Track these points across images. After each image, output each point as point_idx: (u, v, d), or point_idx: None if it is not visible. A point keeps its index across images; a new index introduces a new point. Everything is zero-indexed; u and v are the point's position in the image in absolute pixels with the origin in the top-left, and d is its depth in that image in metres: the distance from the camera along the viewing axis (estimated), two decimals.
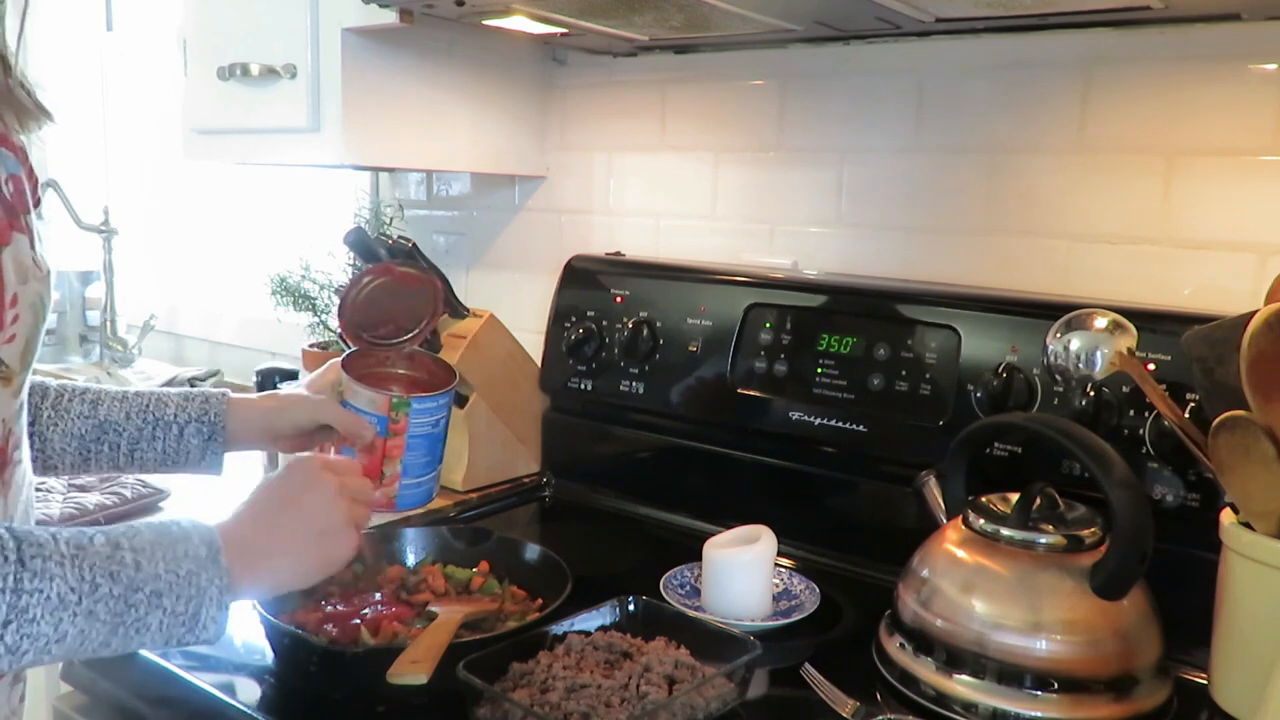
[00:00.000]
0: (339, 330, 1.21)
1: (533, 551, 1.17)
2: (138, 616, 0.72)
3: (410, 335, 1.13)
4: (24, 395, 0.83)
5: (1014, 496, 1.00)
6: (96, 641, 0.71)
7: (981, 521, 0.99)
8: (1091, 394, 1.10)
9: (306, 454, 0.96)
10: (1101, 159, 1.24)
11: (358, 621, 1.03)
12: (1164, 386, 1.03)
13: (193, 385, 2.07)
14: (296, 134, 1.48)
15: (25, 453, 0.85)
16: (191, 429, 1.03)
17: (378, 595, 1.09)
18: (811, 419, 1.31)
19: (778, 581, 1.18)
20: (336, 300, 1.34)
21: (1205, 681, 0.98)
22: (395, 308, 1.12)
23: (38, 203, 0.86)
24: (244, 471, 1.21)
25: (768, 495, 1.37)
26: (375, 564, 1.17)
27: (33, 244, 0.81)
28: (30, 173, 0.85)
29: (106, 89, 2.70)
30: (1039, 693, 0.91)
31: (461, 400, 1.49)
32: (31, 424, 0.97)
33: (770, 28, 1.31)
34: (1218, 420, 0.92)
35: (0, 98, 0.79)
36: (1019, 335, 1.17)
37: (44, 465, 1.00)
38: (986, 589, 0.95)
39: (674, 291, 1.46)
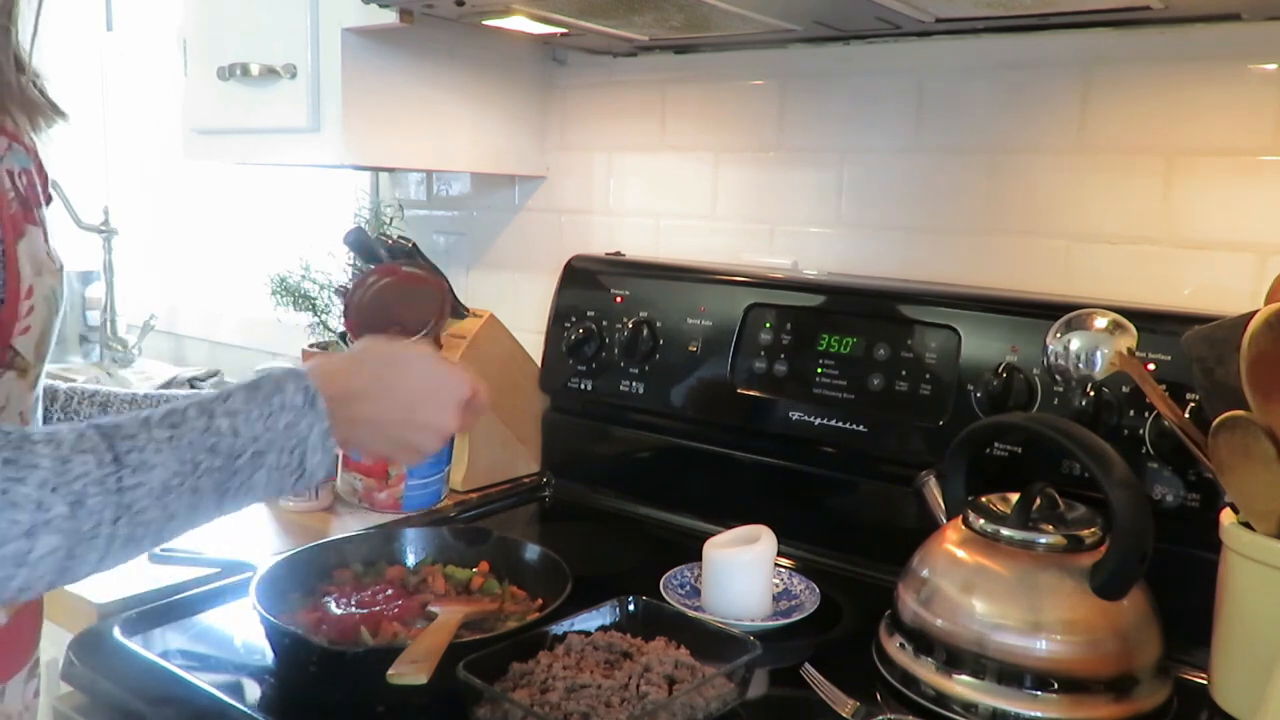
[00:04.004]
0: (343, 331, 1.21)
1: (533, 551, 1.17)
2: (244, 479, 0.73)
3: (417, 337, 1.13)
4: (39, 389, 0.84)
5: (1014, 496, 1.00)
6: (208, 511, 0.72)
7: (981, 521, 0.98)
8: (1091, 394, 1.10)
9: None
10: (1101, 159, 1.24)
11: (358, 621, 1.03)
12: (1164, 386, 1.03)
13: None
14: (296, 134, 1.48)
15: None
16: None
17: (378, 595, 1.09)
18: (811, 419, 1.31)
19: (778, 581, 1.18)
20: (341, 301, 1.34)
21: (1205, 681, 0.98)
22: (401, 309, 1.12)
23: (49, 199, 0.86)
24: None
25: (768, 495, 1.37)
26: (375, 564, 1.17)
27: (45, 238, 0.81)
28: (40, 168, 0.85)
29: (106, 89, 2.70)
30: (1039, 693, 0.91)
31: None
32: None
33: (770, 28, 1.31)
34: (1218, 420, 0.92)
35: (12, 97, 0.79)
36: (1019, 335, 1.17)
37: None
38: (986, 589, 0.95)
39: (674, 291, 1.46)
